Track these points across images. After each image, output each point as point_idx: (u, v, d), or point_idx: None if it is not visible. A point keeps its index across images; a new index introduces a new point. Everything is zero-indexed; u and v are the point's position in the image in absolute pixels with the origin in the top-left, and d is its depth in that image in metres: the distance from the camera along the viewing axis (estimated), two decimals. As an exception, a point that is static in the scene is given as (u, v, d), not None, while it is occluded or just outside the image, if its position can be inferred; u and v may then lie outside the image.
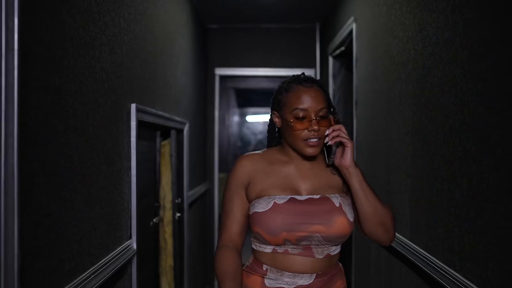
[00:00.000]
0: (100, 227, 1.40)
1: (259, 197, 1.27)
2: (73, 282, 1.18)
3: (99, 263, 1.37)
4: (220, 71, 4.22)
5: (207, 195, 4.09)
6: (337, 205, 1.24)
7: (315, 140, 1.23)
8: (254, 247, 1.32)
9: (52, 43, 1.08)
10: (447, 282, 1.37)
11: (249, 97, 5.25)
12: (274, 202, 1.23)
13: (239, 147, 5.20)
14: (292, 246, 1.23)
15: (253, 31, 4.20)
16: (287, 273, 1.23)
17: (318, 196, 1.26)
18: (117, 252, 1.54)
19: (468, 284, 1.25)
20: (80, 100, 1.24)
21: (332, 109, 1.29)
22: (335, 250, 1.28)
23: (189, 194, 3.02)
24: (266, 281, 1.25)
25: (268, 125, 1.41)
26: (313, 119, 1.22)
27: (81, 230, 1.26)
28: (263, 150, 1.38)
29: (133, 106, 1.72)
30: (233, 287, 1.21)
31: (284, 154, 1.33)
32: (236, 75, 4.28)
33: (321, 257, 1.24)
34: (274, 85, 4.39)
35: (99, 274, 1.35)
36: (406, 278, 1.79)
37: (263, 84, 4.41)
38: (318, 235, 1.21)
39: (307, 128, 1.22)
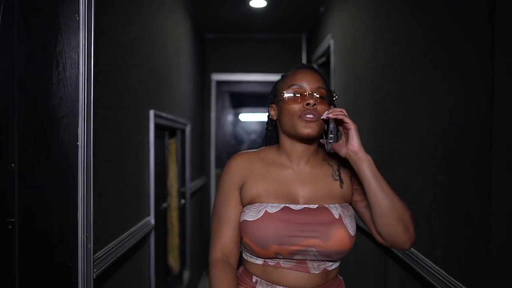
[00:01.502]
0: (131, 203, 1.87)
1: (251, 203, 1.16)
2: (115, 240, 1.65)
3: (131, 229, 1.84)
4: (217, 77, 4.70)
5: (204, 188, 4.57)
6: (337, 216, 1.12)
7: (311, 116, 1.09)
8: (245, 257, 1.21)
9: (106, 72, 1.54)
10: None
11: (242, 99, 5.73)
12: (266, 210, 1.11)
13: (233, 145, 5.68)
14: (285, 259, 1.13)
15: (246, 40, 4.68)
16: (279, 287, 1.13)
17: (316, 206, 1.14)
18: (141, 224, 2.01)
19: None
20: (120, 110, 1.71)
21: (331, 95, 1.19)
22: (332, 264, 1.16)
23: (190, 185, 3.51)
24: None
25: (266, 123, 1.32)
26: (309, 93, 1.11)
27: (121, 204, 1.73)
28: (259, 148, 1.28)
29: (152, 112, 2.19)
30: None
31: (281, 155, 1.21)
32: (231, 80, 4.75)
33: (317, 272, 1.13)
34: (265, 89, 4.88)
35: (130, 239, 1.82)
36: (366, 244, 2.28)
37: (255, 88, 4.89)
38: (314, 249, 1.10)
39: (302, 104, 1.11)
